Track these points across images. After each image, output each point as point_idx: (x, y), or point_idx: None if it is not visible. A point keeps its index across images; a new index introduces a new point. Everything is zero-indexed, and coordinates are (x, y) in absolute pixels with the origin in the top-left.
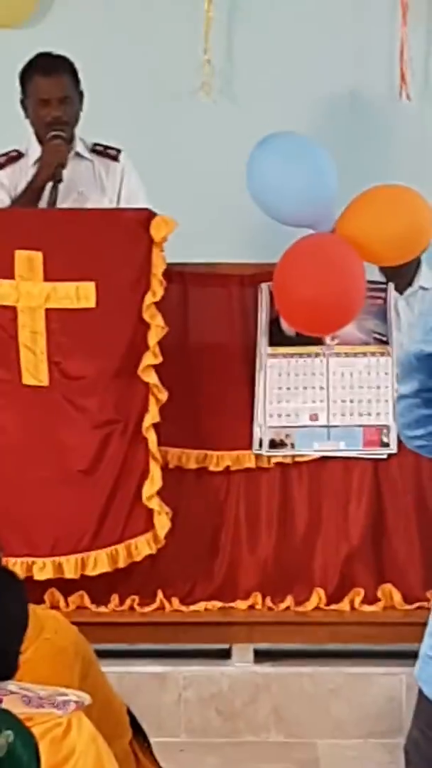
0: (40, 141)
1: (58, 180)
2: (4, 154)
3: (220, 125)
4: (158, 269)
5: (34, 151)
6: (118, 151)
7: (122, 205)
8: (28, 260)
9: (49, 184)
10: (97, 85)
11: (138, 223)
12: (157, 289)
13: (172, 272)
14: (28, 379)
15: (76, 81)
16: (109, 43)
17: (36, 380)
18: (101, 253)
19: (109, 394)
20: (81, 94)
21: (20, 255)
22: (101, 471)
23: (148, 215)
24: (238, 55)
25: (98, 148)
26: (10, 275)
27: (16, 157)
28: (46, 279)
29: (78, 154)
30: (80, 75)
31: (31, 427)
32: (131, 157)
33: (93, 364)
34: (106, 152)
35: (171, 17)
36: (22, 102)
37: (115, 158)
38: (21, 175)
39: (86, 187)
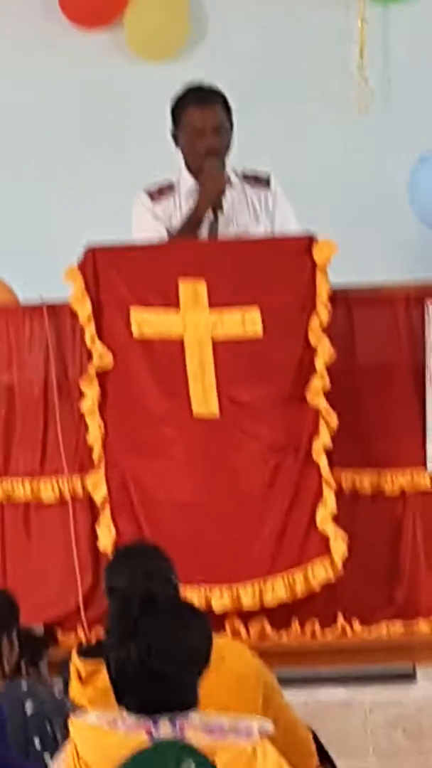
0: (192, 172)
1: (218, 208)
2: (157, 184)
3: (378, 143)
4: (323, 293)
5: (186, 182)
6: (269, 176)
7: (276, 230)
8: (192, 289)
9: (210, 215)
10: (249, 112)
11: (301, 248)
12: (323, 313)
13: (337, 295)
14: (198, 410)
15: (228, 111)
16: (262, 70)
17: (206, 410)
18: (265, 280)
19: (279, 420)
20: (232, 124)
21: (185, 285)
22: (275, 497)
23: (310, 240)
24: (394, 71)
25: (249, 175)
26: (176, 305)
27: (168, 188)
28: (212, 307)
29: (230, 183)
30: (232, 104)
31: (203, 457)
32: (287, 180)
33: (262, 391)
34: (257, 179)
35: (324, 38)
36: (173, 134)
37: (266, 183)
38: (174, 206)
39: (240, 215)
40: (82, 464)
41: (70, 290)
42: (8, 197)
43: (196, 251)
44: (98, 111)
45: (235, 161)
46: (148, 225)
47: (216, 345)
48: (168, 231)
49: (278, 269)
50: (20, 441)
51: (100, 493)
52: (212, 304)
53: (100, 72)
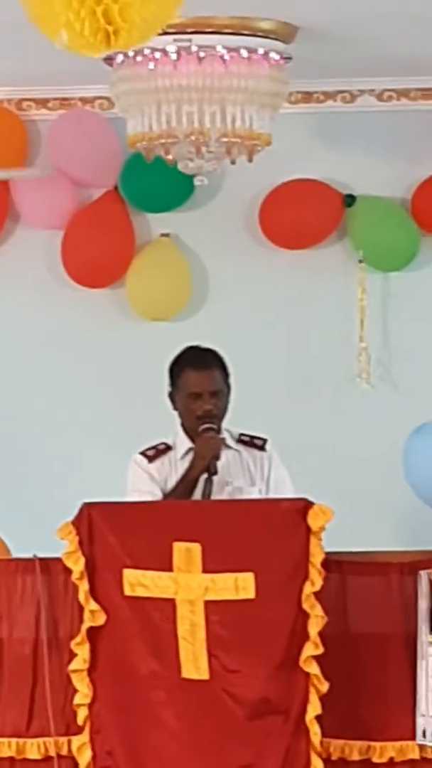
0: (188, 433)
1: (213, 472)
2: (152, 447)
3: (377, 412)
4: (316, 558)
5: (182, 443)
6: (264, 440)
7: (271, 494)
8: (186, 552)
9: (204, 476)
10: (247, 375)
11: (295, 513)
12: (316, 579)
13: (330, 561)
14: (187, 672)
15: (226, 374)
16: (261, 333)
17: (196, 673)
18: (259, 544)
19: (270, 685)
20: (229, 387)
21: (179, 547)
22: (263, 764)
23: (305, 504)
24: (394, 339)
25: (245, 438)
26: (169, 567)
27: (164, 450)
28: (205, 571)
29: (226, 445)
30: (229, 366)
31: (191, 721)
32: (284, 444)
33: (253, 656)
34: (252, 442)
35: (325, 306)
36: (170, 394)
37: (261, 448)
38: (171, 467)
39: (234, 478)
40: (68, 726)
41: (63, 546)
42: (3, 452)
43: (191, 512)
44: (98, 368)
45: (232, 422)
46: (144, 485)
47: (208, 607)
48: (163, 492)
49: (273, 533)
50: (7, 699)
51: (84, 758)
52: (206, 566)
53: (101, 329)
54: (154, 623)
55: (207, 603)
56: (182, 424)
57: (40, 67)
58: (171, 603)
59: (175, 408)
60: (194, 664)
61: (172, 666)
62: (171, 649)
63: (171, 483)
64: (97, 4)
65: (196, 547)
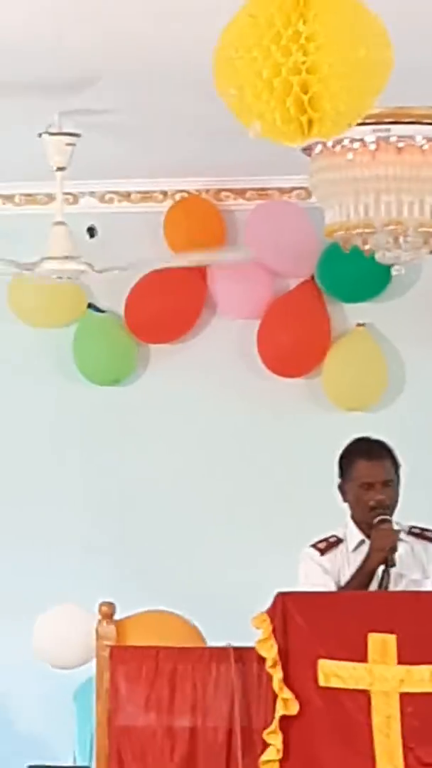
0: (358, 525)
1: (391, 564)
2: (323, 540)
3: None
4: None
5: (353, 535)
6: None
7: None
8: (382, 643)
9: (381, 568)
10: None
11: None
12: None
13: None
14: (382, 766)
15: (396, 465)
16: None
17: (391, 767)
18: None
19: None
20: (399, 479)
21: (374, 638)
22: None
23: None
24: None
25: (415, 530)
26: (363, 658)
27: (335, 542)
28: (400, 662)
29: (401, 539)
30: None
31: None
32: None
33: None
34: (424, 534)
35: None
36: (340, 486)
37: (431, 539)
38: (343, 560)
39: (409, 570)
40: None
41: (257, 635)
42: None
43: (386, 603)
44: (291, 458)
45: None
46: (317, 579)
47: (403, 699)
48: (337, 585)
49: None
50: None
51: None
52: (401, 658)
53: (296, 418)
54: (348, 714)
55: (402, 695)
56: (353, 516)
57: (238, 157)
58: (365, 694)
59: (345, 500)
60: (389, 757)
61: (366, 758)
62: (365, 741)
63: (344, 576)
64: (287, 95)
65: (391, 639)
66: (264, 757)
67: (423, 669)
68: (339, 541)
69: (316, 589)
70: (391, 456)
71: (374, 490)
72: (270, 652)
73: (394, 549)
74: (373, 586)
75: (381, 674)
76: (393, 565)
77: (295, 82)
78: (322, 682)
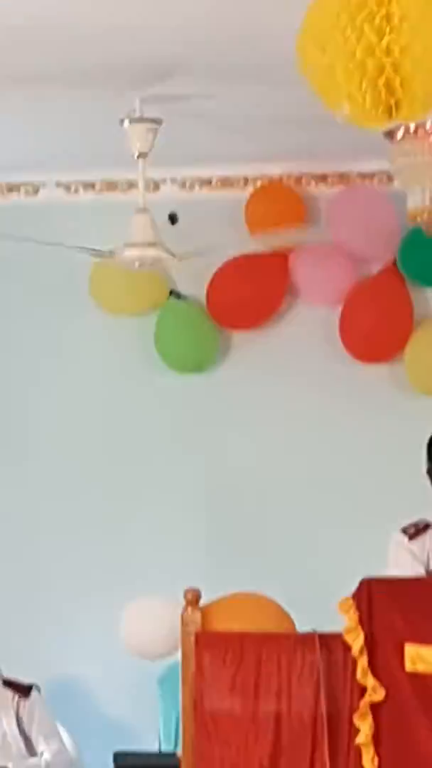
0: None
1: None
2: (412, 525)
3: None
4: None
5: None
6: None
7: None
8: None
9: None
10: None
11: None
12: None
13: None
14: None
15: None
16: None
17: None
18: None
19: None
20: None
21: None
22: None
23: None
24: None
25: None
26: None
27: (424, 528)
28: None
29: None
30: None
31: None
32: None
33: None
34: None
35: None
36: (429, 471)
37: None
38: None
39: None
40: None
41: (343, 621)
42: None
43: None
44: (375, 443)
45: None
46: (406, 563)
47: None
48: (427, 570)
49: None
50: None
51: None
52: None
53: (379, 404)
54: None
55: None
56: None
57: (320, 142)
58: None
59: None
60: None
61: None
62: None
63: None
64: (379, 76)
65: None
66: (359, 740)
67: None
68: (428, 526)
69: (405, 573)
70: None
71: None
72: (357, 641)
73: None
74: None
75: None
76: None
77: (387, 63)
78: (408, 668)
